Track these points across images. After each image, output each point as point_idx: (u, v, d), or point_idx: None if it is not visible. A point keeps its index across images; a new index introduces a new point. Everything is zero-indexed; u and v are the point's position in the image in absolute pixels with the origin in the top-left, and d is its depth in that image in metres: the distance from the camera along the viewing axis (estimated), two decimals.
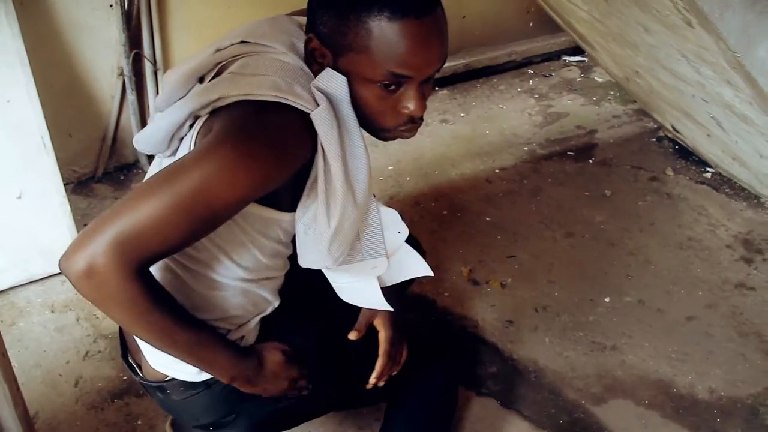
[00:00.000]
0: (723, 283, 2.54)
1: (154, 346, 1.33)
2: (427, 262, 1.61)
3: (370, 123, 1.33)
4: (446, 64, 3.68)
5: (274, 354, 1.47)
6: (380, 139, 1.40)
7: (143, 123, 2.95)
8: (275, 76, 1.25)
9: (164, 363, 1.48)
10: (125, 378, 2.15)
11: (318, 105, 1.24)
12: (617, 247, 2.71)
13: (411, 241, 1.96)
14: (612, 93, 3.79)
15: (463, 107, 3.67)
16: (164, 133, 1.35)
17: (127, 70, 2.85)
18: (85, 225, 1.17)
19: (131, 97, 2.91)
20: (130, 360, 1.58)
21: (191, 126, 1.33)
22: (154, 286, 1.25)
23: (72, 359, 2.24)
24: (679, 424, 2.06)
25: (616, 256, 2.67)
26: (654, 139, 3.38)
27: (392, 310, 1.54)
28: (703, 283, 2.54)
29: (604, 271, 2.60)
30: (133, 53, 2.83)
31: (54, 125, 2.43)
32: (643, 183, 3.08)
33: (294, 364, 1.49)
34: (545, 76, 3.99)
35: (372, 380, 1.60)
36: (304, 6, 1.32)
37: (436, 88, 3.79)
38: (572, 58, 4.14)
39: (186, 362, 1.37)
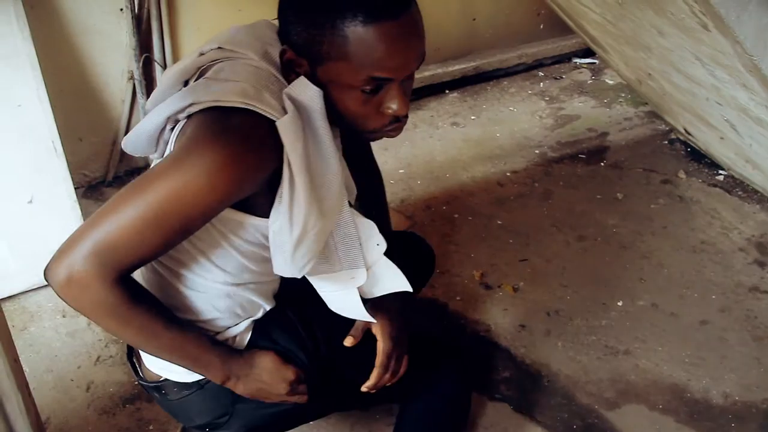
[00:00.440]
0: (736, 287, 2.52)
1: (142, 349, 1.39)
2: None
3: (354, 127, 1.33)
4: (456, 67, 3.75)
5: (265, 355, 1.47)
6: (367, 140, 1.40)
7: None
8: (246, 82, 1.25)
9: (157, 363, 1.51)
10: (137, 383, 2.14)
11: (286, 113, 1.23)
12: (630, 251, 2.69)
13: (422, 244, 1.96)
14: (623, 95, 3.78)
15: (474, 110, 3.66)
16: (147, 136, 1.36)
17: (137, 74, 2.85)
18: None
19: (141, 101, 2.90)
20: (134, 360, 1.60)
21: (172, 129, 1.33)
22: (136, 290, 1.29)
23: (83, 364, 2.23)
24: (694, 429, 2.04)
25: (629, 259, 2.65)
26: (666, 142, 3.36)
27: (374, 321, 1.52)
28: (717, 286, 2.53)
29: (617, 274, 2.58)
30: (143, 57, 2.83)
31: (64, 129, 2.44)
32: (655, 186, 3.06)
33: (288, 365, 1.48)
34: (556, 79, 3.98)
35: (364, 388, 1.58)
36: None
37: (446, 91, 3.79)
38: (583, 60, 4.13)
39: (176, 364, 1.40)
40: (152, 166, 1.30)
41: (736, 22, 1.78)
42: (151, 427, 2.04)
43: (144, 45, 2.85)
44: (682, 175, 3.11)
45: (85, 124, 2.90)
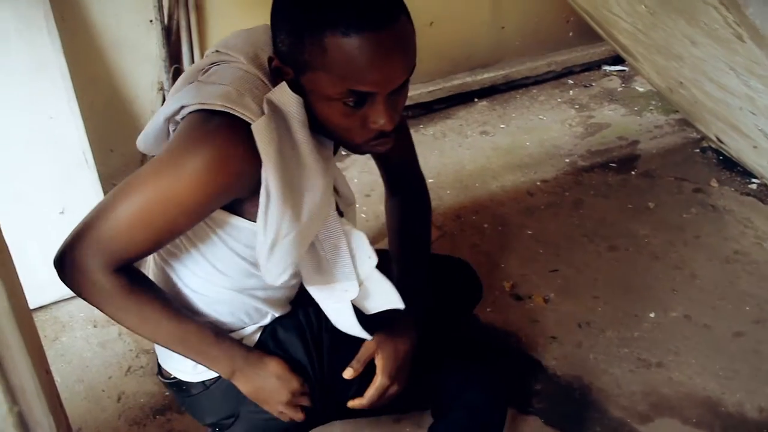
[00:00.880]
0: None
1: (148, 339, 1.43)
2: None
3: (339, 139, 1.31)
4: (485, 75, 3.74)
5: (273, 359, 1.48)
6: (355, 153, 1.39)
7: None
8: (231, 86, 1.26)
9: (167, 362, 1.55)
10: (167, 394, 2.14)
11: None
12: (662, 261, 2.66)
13: (467, 269, 1.94)
14: (654, 103, 3.74)
15: (503, 118, 3.64)
16: (153, 137, 1.43)
17: (167, 85, 2.87)
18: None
19: None
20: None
21: (174, 130, 1.37)
22: (137, 280, 1.34)
23: (114, 374, 2.24)
24: None
25: (661, 270, 2.62)
26: (697, 150, 3.32)
27: (370, 338, 1.49)
28: (751, 297, 2.49)
29: (649, 285, 2.55)
30: (173, 68, 2.85)
31: (95, 140, 2.45)
32: (687, 195, 3.02)
33: (295, 374, 1.48)
34: (585, 86, 3.95)
35: (349, 405, 1.56)
36: None
37: (475, 100, 3.77)
38: (613, 68, 4.09)
39: (185, 356, 1.43)
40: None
41: None
42: None
43: (174, 56, 2.87)
44: (714, 183, 3.07)
45: (116, 135, 2.92)
